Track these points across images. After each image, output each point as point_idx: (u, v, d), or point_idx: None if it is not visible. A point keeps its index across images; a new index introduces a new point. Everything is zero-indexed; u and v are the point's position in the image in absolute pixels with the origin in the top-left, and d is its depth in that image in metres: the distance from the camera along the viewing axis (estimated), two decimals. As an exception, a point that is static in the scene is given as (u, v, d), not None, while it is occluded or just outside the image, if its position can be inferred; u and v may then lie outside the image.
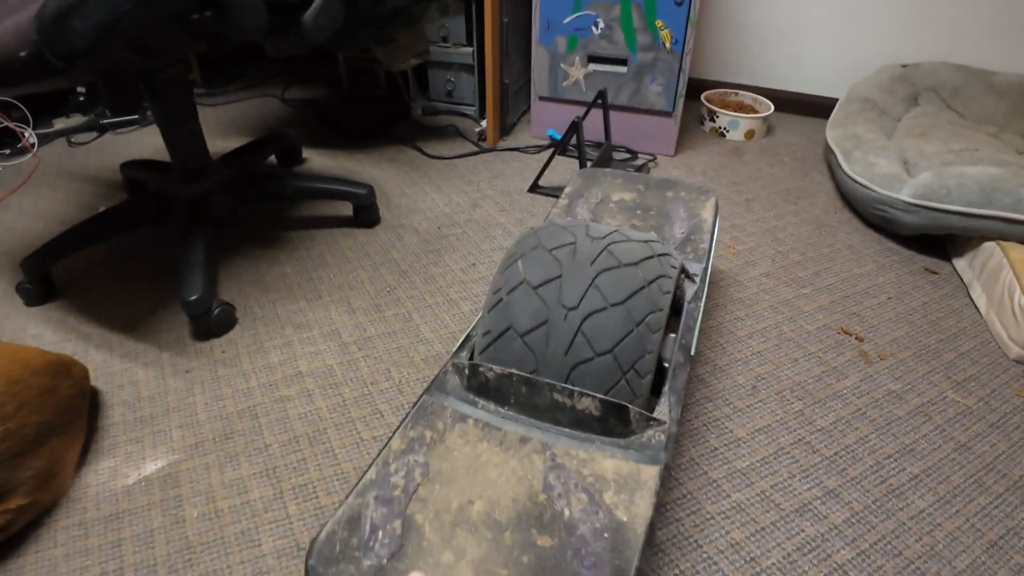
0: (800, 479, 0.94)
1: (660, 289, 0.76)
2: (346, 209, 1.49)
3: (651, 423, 0.69)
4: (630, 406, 0.68)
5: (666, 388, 0.76)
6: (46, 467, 0.85)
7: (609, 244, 0.79)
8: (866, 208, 1.54)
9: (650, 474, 0.64)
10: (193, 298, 1.10)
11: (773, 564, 0.83)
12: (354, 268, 1.34)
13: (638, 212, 1.11)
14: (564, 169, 1.73)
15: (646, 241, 0.82)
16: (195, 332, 1.16)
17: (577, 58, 1.72)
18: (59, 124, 1.91)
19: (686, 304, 0.91)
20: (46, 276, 1.24)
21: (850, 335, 1.22)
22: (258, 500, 0.88)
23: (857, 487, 0.94)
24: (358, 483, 0.64)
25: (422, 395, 0.74)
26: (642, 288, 0.75)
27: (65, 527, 0.85)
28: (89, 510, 0.87)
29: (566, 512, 0.60)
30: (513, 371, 0.72)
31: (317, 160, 1.76)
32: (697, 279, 0.96)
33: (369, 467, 0.65)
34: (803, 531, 0.87)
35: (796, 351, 1.18)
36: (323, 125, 1.95)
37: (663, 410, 0.72)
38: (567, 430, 0.69)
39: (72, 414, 0.92)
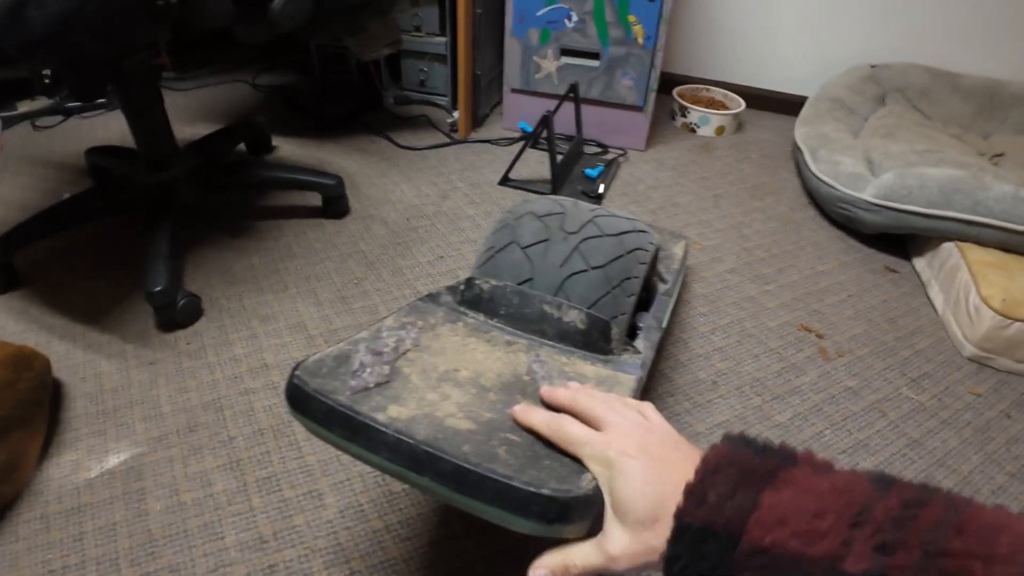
0: (757, 473, 0.97)
1: (637, 260, 0.83)
2: (315, 199, 1.48)
3: (629, 348, 0.71)
4: (612, 326, 0.71)
5: (640, 340, 0.83)
6: (7, 460, 0.84)
7: (595, 217, 0.86)
8: (830, 206, 1.57)
9: (628, 380, 0.66)
10: (157, 289, 1.09)
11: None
12: (321, 260, 1.34)
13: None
14: (535, 162, 1.74)
15: (628, 219, 0.88)
16: (160, 323, 1.15)
17: (550, 51, 1.72)
18: (23, 107, 1.87)
19: (658, 295, 0.98)
20: (8, 265, 1.22)
21: (810, 332, 1.25)
22: (222, 493, 0.88)
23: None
24: (348, 338, 0.65)
25: (419, 299, 0.76)
26: (621, 256, 0.82)
27: (26, 520, 0.84)
28: (51, 503, 0.86)
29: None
30: (508, 284, 0.75)
31: (287, 148, 1.74)
32: (669, 281, 1.02)
33: (363, 331, 0.67)
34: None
35: (757, 347, 1.20)
36: (294, 112, 1.93)
37: (639, 345, 0.76)
38: (550, 343, 0.71)
39: (33, 407, 0.91)
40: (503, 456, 0.50)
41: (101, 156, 1.48)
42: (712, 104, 2.05)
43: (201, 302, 1.19)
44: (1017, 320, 1.18)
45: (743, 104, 2.02)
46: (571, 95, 1.63)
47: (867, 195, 1.47)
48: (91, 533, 0.83)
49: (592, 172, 1.65)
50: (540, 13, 1.67)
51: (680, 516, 0.39)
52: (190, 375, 1.06)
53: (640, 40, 1.64)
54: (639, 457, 0.44)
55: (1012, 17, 1.86)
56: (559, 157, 1.57)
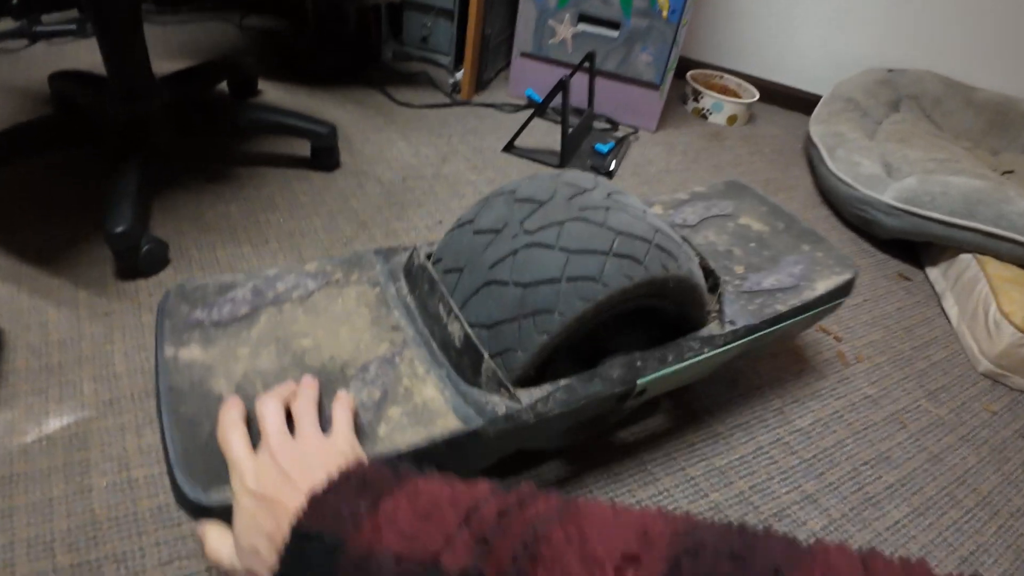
0: (779, 481, 0.89)
1: (578, 293, 0.64)
2: (303, 149, 1.35)
3: (502, 390, 0.62)
4: (485, 357, 0.62)
5: (564, 382, 0.66)
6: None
7: (614, 199, 0.71)
8: (846, 207, 1.50)
9: (447, 423, 0.60)
10: (119, 230, 0.96)
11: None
12: (308, 214, 1.21)
13: (750, 244, 0.95)
14: (542, 132, 1.63)
15: (647, 226, 0.69)
16: (120, 270, 1.02)
17: (567, 15, 1.61)
18: (-17, 27, 1.69)
19: (685, 340, 0.76)
20: (-54, 191, 1.07)
21: (828, 334, 1.18)
22: (181, 469, 0.77)
23: (834, 493, 0.90)
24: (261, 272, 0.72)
25: (373, 249, 0.78)
26: (556, 280, 0.64)
27: (-56, 487, 0.72)
28: (-23, 469, 0.74)
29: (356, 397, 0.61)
30: (428, 264, 0.71)
31: (273, 94, 1.60)
32: (726, 323, 0.78)
33: (279, 266, 0.73)
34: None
35: (775, 345, 1.12)
36: (283, 59, 1.79)
37: (531, 394, 0.64)
38: (433, 345, 0.67)
39: (-38, 354, 0.78)
40: (191, 437, 0.54)
41: (67, 82, 1.33)
42: (725, 92, 1.97)
43: (168, 250, 1.06)
44: (1039, 339, 1.13)
45: (756, 95, 1.94)
46: (586, 65, 1.53)
47: (887, 197, 1.40)
48: (23, 509, 0.71)
49: (603, 148, 1.55)
50: (560, -26, 1.56)
51: (295, 525, 0.40)
52: (151, 331, 0.93)
53: (665, 13, 1.53)
54: (251, 497, 0.45)
55: (1030, 33, 1.82)
56: (570, 130, 1.47)
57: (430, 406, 0.61)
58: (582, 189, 0.71)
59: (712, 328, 0.78)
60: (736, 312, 0.81)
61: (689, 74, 1.96)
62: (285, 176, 1.31)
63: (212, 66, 1.42)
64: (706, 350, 0.75)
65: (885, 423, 1.03)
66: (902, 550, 0.84)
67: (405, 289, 0.73)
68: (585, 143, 1.59)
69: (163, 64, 1.65)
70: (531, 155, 1.50)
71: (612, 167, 1.49)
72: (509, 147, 1.51)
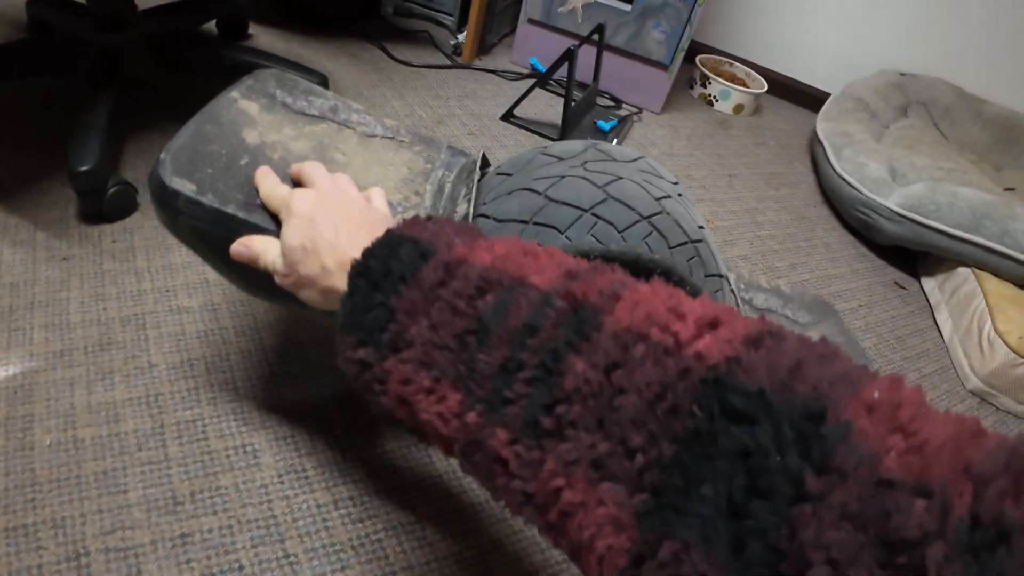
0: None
1: (635, 237, 0.63)
2: (290, 100, 1.27)
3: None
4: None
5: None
6: None
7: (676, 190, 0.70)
8: (848, 208, 1.46)
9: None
10: (83, 168, 0.89)
11: None
12: (291, 170, 1.15)
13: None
14: (543, 103, 1.57)
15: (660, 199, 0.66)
16: (82, 212, 0.95)
17: (579, -17, 1.54)
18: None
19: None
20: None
21: (828, 304, 1.15)
22: (131, 433, 0.71)
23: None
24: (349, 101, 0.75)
25: (449, 143, 0.79)
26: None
27: None
28: (-92, 416, 0.67)
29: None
30: (478, 160, 0.74)
31: (264, 38, 1.52)
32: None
33: (364, 108, 0.75)
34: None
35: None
36: (282, 4, 1.70)
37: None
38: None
39: (-102, 288, 0.71)
40: (192, 145, 0.58)
41: (43, 7, 1.24)
42: (734, 80, 1.92)
43: (138, 194, 0.98)
44: (1032, 361, 1.10)
45: (765, 86, 1.89)
46: (595, 37, 1.46)
47: (891, 203, 1.36)
48: (-44, 462, 0.65)
49: (605, 125, 1.50)
50: (575, -62, 1.49)
51: (389, 229, 0.42)
52: (112, 280, 0.86)
53: (681, -10, 1.47)
54: (316, 208, 0.49)
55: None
56: (574, 103, 1.41)
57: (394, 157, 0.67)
58: (655, 171, 0.71)
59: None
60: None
61: (698, 58, 1.90)
62: (270, 126, 1.24)
63: (201, 2, 1.33)
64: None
65: (874, 435, 1.00)
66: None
67: (450, 179, 0.75)
68: (587, 119, 1.54)
69: (144, 2, 1.56)
70: (530, 126, 1.44)
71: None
72: (508, 116, 1.44)
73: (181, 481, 0.68)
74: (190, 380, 0.77)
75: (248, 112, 0.66)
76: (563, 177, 0.65)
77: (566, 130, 1.40)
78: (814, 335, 0.86)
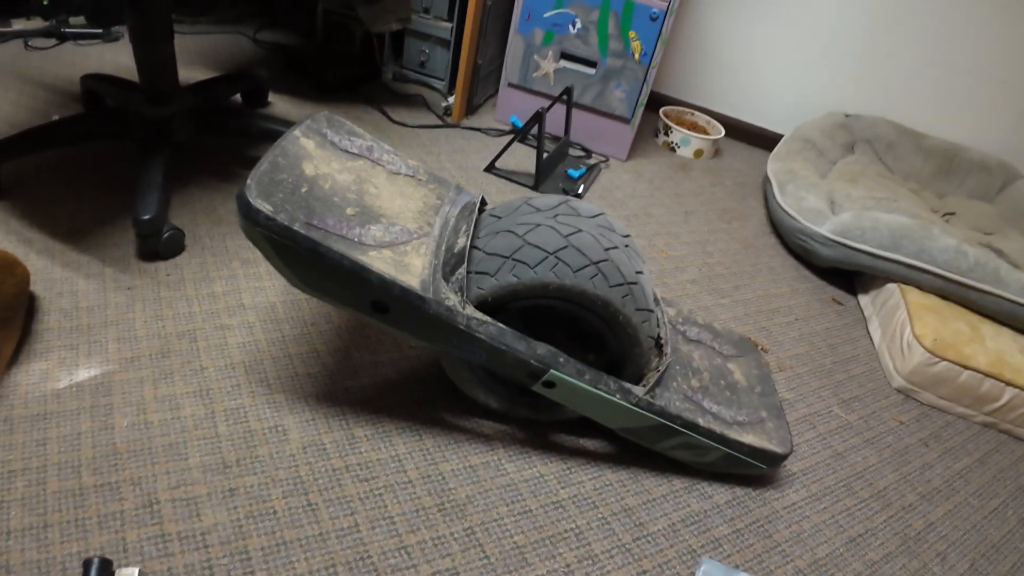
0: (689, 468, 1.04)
1: (587, 275, 0.84)
2: (306, 158, 1.51)
3: (459, 294, 0.84)
4: (464, 267, 0.85)
5: (501, 324, 0.86)
6: (-20, 356, 0.86)
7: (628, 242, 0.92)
8: (790, 236, 1.67)
9: (410, 281, 0.82)
10: (146, 217, 1.11)
11: (659, 531, 0.93)
12: (308, 215, 1.37)
13: (720, 381, 1.07)
14: (522, 156, 1.80)
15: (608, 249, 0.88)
16: (141, 251, 1.17)
17: (551, 52, 1.79)
18: (18, 25, 1.85)
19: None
20: (-9, 174, 1.22)
21: (757, 345, 1.33)
22: (189, 417, 0.92)
23: (739, 477, 1.05)
24: (383, 142, 1.10)
25: (457, 184, 1.08)
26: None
27: (-9, 418, 0.86)
28: (16, 407, 0.88)
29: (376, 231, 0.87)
30: (477, 203, 0.98)
31: (281, 106, 1.77)
32: (649, 393, 0.93)
33: (394, 149, 1.05)
34: (689, 506, 0.97)
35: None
36: (292, 73, 1.96)
37: (474, 312, 0.85)
38: (442, 247, 0.91)
39: (12, 311, 0.93)
40: (270, 173, 0.82)
41: (99, 83, 1.48)
42: (694, 128, 2.14)
43: (185, 237, 1.21)
44: (944, 359, 1.29)
45: (723, 131, 2.12)
46: (564, 97, 1.70)
47: (824, 230, 1.57)
48: (55, 440, 0.85)
49: (575, 173, 1.72)
50: (547, 15, 1.74)
51: None
52: (167, 304, 1.08)
53: (637, 56, 1.71)
54: None
55: (976, 87, 1.99)
56: (545, 154, 1.64)
57: (410, 268, 0.83)
58: (611, 226, 0.93)
59: (636, 388, 0.92)
60: (664, 395, 0.95)
61: (662, 110, 2.13)
62: (289, 179, 1.47)
63: (230, 78, 1.58)
64: (617, 396, 0.90)
65: (796, 423, 1.18)
66: (795, 527, 0.99)
67: (455, 214, 0.97)
68: (560, 168, 1.76)
69: (182, 70, 1.82)
70: (509, 176, 1.67)
71: (580, 190, 1.66)
72: (490, 167, 1.67)
73: (228, 451, 0.88)
74: (233, 379, 0.98)
75: (307, 148, 0.89)
76: (538, 225, 0.88)
77: (539, 178, 1.63)
78: (733, 366, 1.07)
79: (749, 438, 0.98)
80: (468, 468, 0.94)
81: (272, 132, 1.46)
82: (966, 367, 1.29)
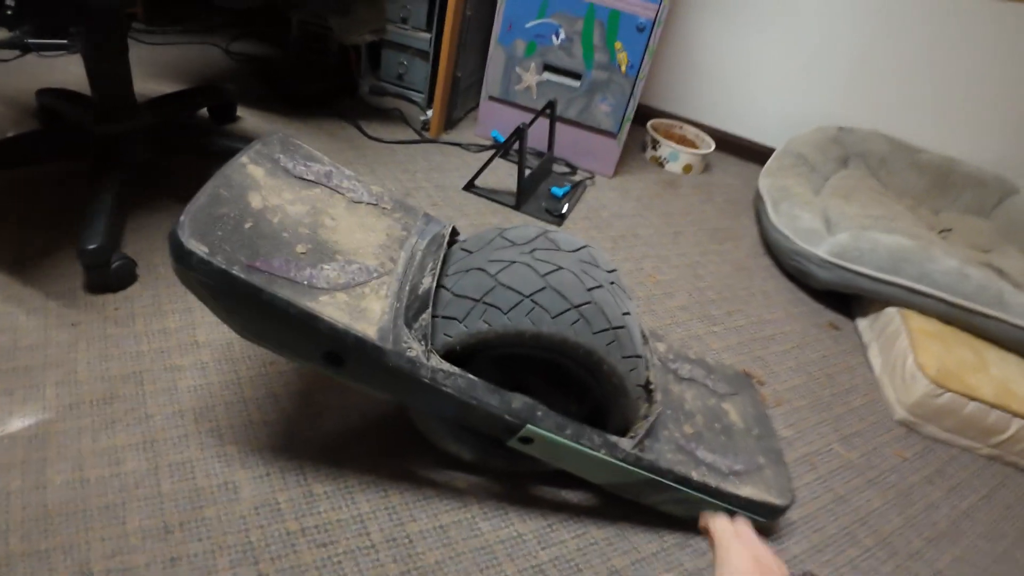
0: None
1: (567, 321, 0.76)
2: (274, 178, 1.42)
3: (423, 342, 0.75)
4: (428, 311, 0.76)
5: (471, 376, 0.77)
6: None
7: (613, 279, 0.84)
8: (785, 258, 1.60)
9: (366, 329, 0.72)
10: (91, 247, 1.03)
11: (648, 596, 0.85)
12: (273, 241, 1.29)
13: (715, 424, 1.00)
14: (504, 173, 1.72)
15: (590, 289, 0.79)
16: (89, 284, 1.08)
17: (533, 64, 1.71)
18: (-25, 36, 1.75)
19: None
20: (-72, 199, 1.13)
21: (752, 377, 1.26)
22: (130, 473, 0.83)
23: (738, 528, 0.97)
24: (343, 167, 0.92)
25: (426, 212, 0.95)
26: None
27: (-95, 478, 0.78)
28: (-62, 462, 0.80)
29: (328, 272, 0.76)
30: (446, 235, 0.88)
31: (251, 121, 1.68)
32: (638, 447, 0.85)
33: (356, 175, 0.91)
34: (682, 564, 0.89)
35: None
36: (264, 86, 1.87)
37: (440, 362, 0.75)
38: (406, 287, 0.81)
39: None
40: (208, 207, 0.72)
41: (53, 98, 1.40)
42: (683, 141, 2.08)
43: (137, 267, 1.12)
44: (949, 390, 1.22)
45: (713, 145, 2.05)
46: (548, 111, 1.63)
47: (821, 251, 1.50)
48: (-20, 500, 0.77)
49: (558, 191, 1.64)
50: (529, 25, 1.66)
51: None
52: (114, 343, 1.00)
53: (623, 68, 1.64)
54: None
55: (971, 100, 1.94)
56: (528, 172, 1.56)
57: (366, 313, 0.73)
58: (595, 261, 0.85)
59: (623, 441, 0.83)
60: (655, 447, 0.87)
61: (650, 123, 2.06)
62: (255, 201, 1.38)
63: (194, 92, 1.50)
64: (602, 452, 0.81)
65: (796, 464, 1.11)
66: (796, 580, 0.92)
67: (421, 247, 0.87)
68: (543, 185, 1.69)
69: (147, 83, 1.73)
70: (489, 195, 1.59)
71: (565, 210, 1.59)
72: (469, 186, 1.59)
73: (172, 513, 0.80)
74: (181, 428, 0.90)
75: (255, 176, 0.79)
76: (513, 263, 0.79)
77: (521, 197, 1.55)
78: (728, 405, 0.99)
79: (747, 490, 0.90)
80: (438, 528, 0.85)
81: (235, 150, 1.37)
82: (972, 398, 1.22)
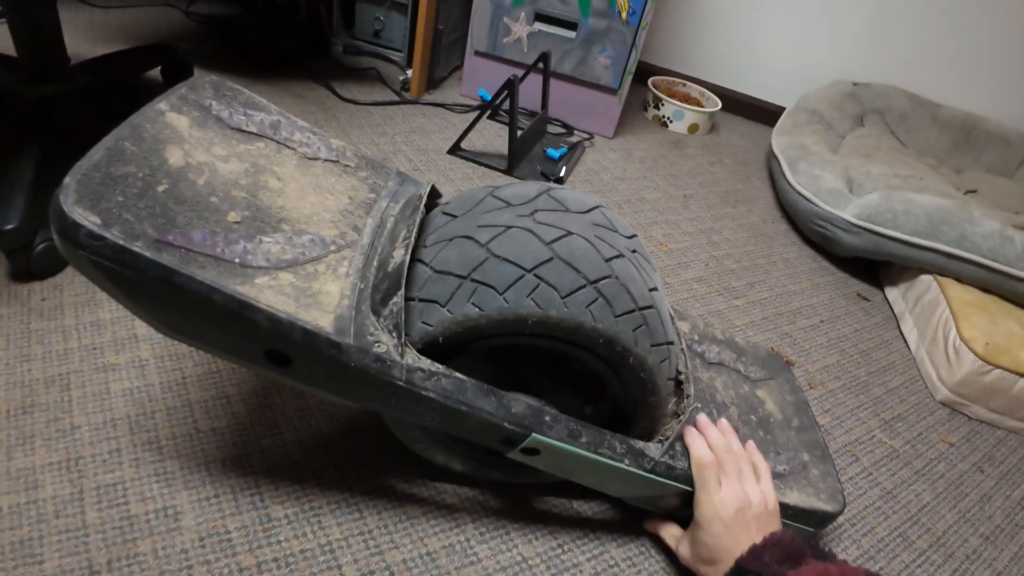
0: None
1: (576, 302, 0.59)
2: (233, 144, 1.26)
3: (394, 334, 0.58)
4: (400, 292, 0.59)
5: (459, 375, 0.61)
6: None
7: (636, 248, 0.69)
8: (806, 222, 1.45)
9: (318, 320, 0.55)
10: (9, 227, 0.86)
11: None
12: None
13: (751, 416, 0.85)
14: (492, 134, 1.56)
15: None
16: (11, 271, 0.92)
17: (523, 13, 1.54)
18: None
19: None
20: None
21: (781, 357, 1.12)
22: (50, 500, 0.68)
23: (778, 536, 0.83)
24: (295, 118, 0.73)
25: (398, 169, 0.78)
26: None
27: None
28: None
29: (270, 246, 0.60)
30: (424, 194, 0.70)
31: (210, 85, 1.51)
32: (668, 453, 0.70)
33: (313, 127, 0.74)
34: None
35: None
36: (229, 47, 1.69)
37: (417, 359, 0.59)
38: (374, 262, 0.65)
39: None
40: (106, 165, 0.54)
41: (-27, 60, 1.22)
42: (687, 100, 1.92)
43: (67, 250, 0.96)
44: (998, 367, 1.09)
45: (719, 104, 1.90)
46: (540, 65, 1.46)
47: (848, 214, 1.35)
48: None
49: (554, 153, 1.49)
50: (517, -31, 1.49)
51: (740, 562, 0.62)
52: (38, 340, 0.84)
53: (624, 15, 1.47)
54: (722, 524, 0.66)
55: (995, 53, 1.81)
56: (519, 132, 1.40)
57: (320, 297, 0.57)
58: (611, 224, 0.68)
59: (651, 448, 0.68)
60: (687, 454, 0.71)
61: (651, 80, 1.90)
62: (210, 172, 1.22)
63: (138, 51, 1.32)
64: (625, 462, 0.66)
65: (838, 455, 0.98)
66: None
67: (394, 213, 0.70)
68: (537, 147, 1.53)
69: (97, 47, 1.55)
70: (477, 158, 1.43)
71: (562, 173, 1.43)
72: (455, 149, 1.43)
73: (98, 549, 0.64)
74: (112, 441, 0.74)
75: (176, 127, 0.60)
76: (509, 228, 0.62)
77: (513, 160, 1.39)
78: (763, 393, 0.84)
79: (794, 496, 0.75)
80: (425, 556, 0.70)
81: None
82: (1022, 375, 1.09)
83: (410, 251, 0.61)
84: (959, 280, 1.29)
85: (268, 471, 0.74)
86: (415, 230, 0.63)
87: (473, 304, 0.59)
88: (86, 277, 0.53)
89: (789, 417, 0.88)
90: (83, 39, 1.57)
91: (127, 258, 0.49)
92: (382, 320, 0.58)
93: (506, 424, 0.61)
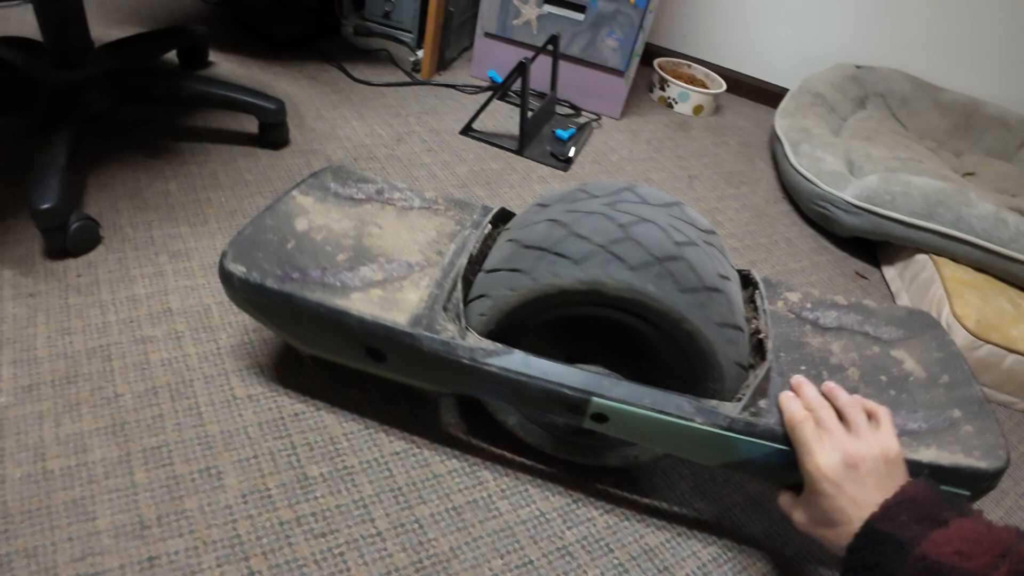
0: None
1: (606, 272, 0.65)
2: (251, 125, 1.29)
3: (457, 322, 0.70)
4: (453, 288, 0.72)
5: (520, 353, 0.69)
6: None
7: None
8: (807, 203, 1.49)
9: (397, 318, 0.70)
10: (45, 207, 0.91)
11: (688, 574, 0.76)
12: (251, 193, 1.16)
13: (880, 376, 0.80)
14: (503, 115, 1.59)
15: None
16: (47, 249, 0.97)
17: (532, -4, 1.57)
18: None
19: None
20: None
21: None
22: (99, 462, 0.73)
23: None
24: (395, 183, 0.95)
25: (483, 205, 0.92)
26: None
27: None
28: None
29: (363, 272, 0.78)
30: (488, 217, 0.84)
31: (225, 66, 1.54)
32: (748, 410, 0.68)
33: (409, 185, 0.97)
34: (721, 539, 0.80)
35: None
36: (241, 29, 1.72)
37: (479, 340, 0.69)
38: (450, 275, 0.78)
39: None
40: (254, 236, 0.77)
41: (3, 47, 1.25)
42: (692, 81, 1.94)
43: (100, 228, 1.00)
44: (988, 343, 1.13)
45: (724, 86, 1.92)
46: (550, 47, 1.49)
47: (848, 195, 1.39)
48: (-73, 498, 0.67)
49: (563, 134, 1.52)
50: (526, -48, 1.51)
51: (871, 520, 0.57)
52: (77, 314, 0.88)
53: (632, -2, 1.50)
54: (832, 485, 0.61)
55: (998, 37, 1.82)
56: (530, 113, 1.43)
57: (401, 303, 0.72)
58: (690, 218, 0.74)
59: (725, 406, 0.67)
60: (773, 409, 0.69)
61: (656, 62, 1.93)
62: (231, 153, 1.25)
63: (158, 34, 1.36)
64: (697, 420, 0.66)
65: (833, 423, 1.02)
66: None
67: (474, 236, 0.82)
68: (546, 128, 1.56)
69: (114, 30, 1.58)
70: (489, 139, 1.46)
71: (571, 154, 1.46)
72: (467, 130, 1.47)
73: (147, 506, 0.70)
74: (155, 407, 0.79)
75: (303, 204, 0.82)
76: (590, 213, 0.69)
77: (524, 140, 1.43)
78: (901, 353, 0.82)
79: (929, 453, 0.69)
80: (451, 510, 0.76)
81: (210, 96, 1.24)
82: (1012, 351, 1.13)
83: (469, 258, 0.75)
84: (954, 260, 1.33)
85: (302, 433, 0.80)
86: (475, 241, 0.78)
87: (508, 287, 0.68)
88: (245, 312, 0.76)
89: (936, 375, 0.82)
90: (98, 23, 1.60)
91: (262, 292, 0.70)
92: (448, 313, 0.70)
93: (566, 391, 0.66)
